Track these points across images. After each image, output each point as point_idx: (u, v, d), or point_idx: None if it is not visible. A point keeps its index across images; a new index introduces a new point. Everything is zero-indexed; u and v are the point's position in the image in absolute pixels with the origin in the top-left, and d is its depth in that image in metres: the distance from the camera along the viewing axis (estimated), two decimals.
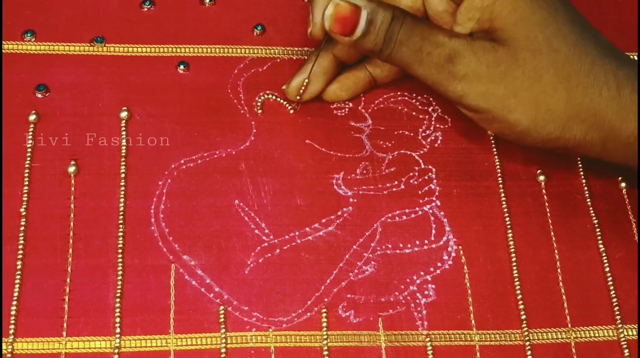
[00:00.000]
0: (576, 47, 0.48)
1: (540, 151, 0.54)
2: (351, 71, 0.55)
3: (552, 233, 0.52)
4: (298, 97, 0.54)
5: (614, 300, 0.51)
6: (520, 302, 0.50)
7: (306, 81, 0.53)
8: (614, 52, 0.49)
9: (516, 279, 0.51)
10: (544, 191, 0.54)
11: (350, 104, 0.55)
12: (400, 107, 0.56)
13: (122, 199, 0.50)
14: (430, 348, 0.48)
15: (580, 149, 0.50)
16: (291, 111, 0.54)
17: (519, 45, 0.48)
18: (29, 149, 0.51)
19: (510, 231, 0.52)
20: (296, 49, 0.57)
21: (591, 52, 0.48)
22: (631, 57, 0.59)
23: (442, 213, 0.52)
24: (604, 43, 0.49)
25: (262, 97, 0.54)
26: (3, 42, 0.54)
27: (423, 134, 0.55)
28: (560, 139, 0.49)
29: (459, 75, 0.48)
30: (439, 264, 0.51)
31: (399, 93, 0.56)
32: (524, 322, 0.50)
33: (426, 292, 0.50)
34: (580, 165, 0.55)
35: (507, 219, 0.52)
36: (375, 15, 0.49)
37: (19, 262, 0.47)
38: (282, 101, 0.54)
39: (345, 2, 0.49)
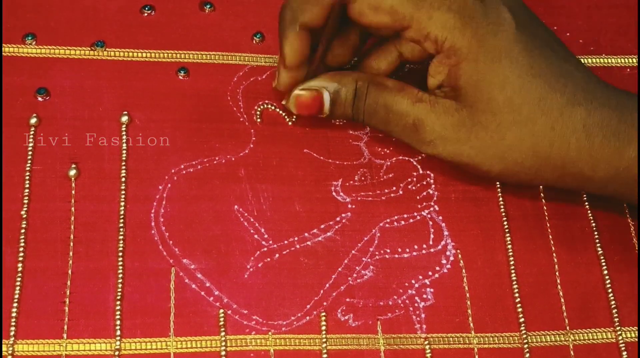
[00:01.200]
0: (540, 102, 0.48)
1: None
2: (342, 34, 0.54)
3: (550, 237, 0.53)
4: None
5: (612, 302, 0.51)
6: (518, 305, 0.50)
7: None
8: (589, 94, 0.49)
9: (514, 282, 0.51)
10: (542, 194, 0.54)
11: None
12: None
13: (122, 203, 0.50)
14: (429, 351, 0.48)
15: (559, 186, 0.51)
16: (289, 123, 0.55)
17: (480, 107, 0.49)
18: (30, 152, 0.51)
19: (508, 235, 0.52)
20: None
21: (557, 104, 0.48)
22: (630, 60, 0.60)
23: (440, 217, 0.53)
24: (579, 84, 0.49)
25: (261, 107, 0.55)
26: (4, 45, 0.54)
27: None
28: (534, 182, 0.51)
29: (427, 141, 0.50)
30: (438, 268, 0.51)
31: None
32: (523, 324, 0.50)
33: (425, 296, 0.50)
34: None
35: (506, 223, 0.53)
36: (337, 96, 0.51)
37: (20, 264, 0.47)
38: (280, 111, 0.55)
39: (306, 88, 0.51)
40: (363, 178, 0.53)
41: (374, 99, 0.51)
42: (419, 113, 0.50)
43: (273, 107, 0.55)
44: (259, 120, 0.54)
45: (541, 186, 0.54)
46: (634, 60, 0.60)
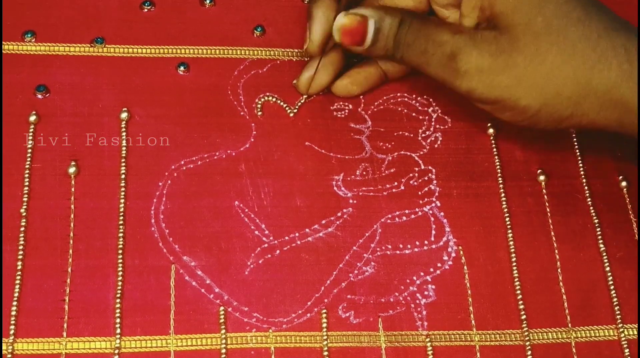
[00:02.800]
0: (579, 24, 0.47)
1: (540, 150, 0.54)
2: (362, 66, 0.55)
3: (552, 233, 0.52)
4: (308, 91, 0.54)
5: (615, 299, 0.51)
6: (520, 302, 0.50)
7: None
8: (623, 26, 0.48)
9: (516, 279, 0.51)
10: (544, 190, 0.54)
11: (350, 106, 0.55)
12: (400, 109, 0.56)
13: (122, 200, 0.50)
14: (430, 348, 0.48)
15: (596, 127, 0.49)
16: (291, 114, 0.54)
17: (519, 30, 0.47)
18: (29, 150, 0.51)
19: (510, 231, 0.52)
20: (296, 50, 0.57)
21: (596, 28, 0.47)
22: None
23: (442, 213, 0.52)
24: (612, 17, 0.48)
25: (262, 99, 0.54)
26: (3, 42, 0.54)
27: (423, 135, 0.55)
28: (573, 118, 0.48)
29: (462, 71, 0.48)
30: (439, 264, 0.51)
31: (398, 94, 0.56)
32: (524, 321, 0.50)
33: (426, 293, 0.50)
34: (580, 164, 0.55)
35: (507, 219, 0.52)
36: (382, 24, 0.49)
37: (20, 262, 0.48)
38: (282, 103, 0.54)
39: (352, 13, 0.50)
40: (365, 173, 0.53)
41: (417, 29, 0.49)
42: (457, 42, 0.48)
43: (274, 99, 0.54)
44: (260, 113, 0.54)
45: (543, 183, 0.54)
46: None
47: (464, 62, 0.48)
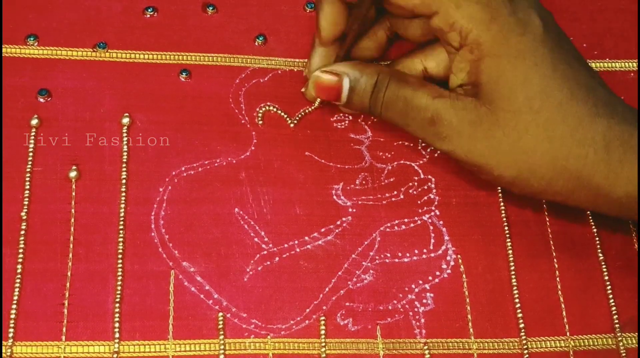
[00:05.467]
0: (560, 107, 0.47)
1: None
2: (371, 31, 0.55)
3: (551, 242, 0.53)
4: (317, 102, 0.55)
5: (613, 308, 0.51)
6: (518, 311, 0.50)
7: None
8: (610, 109, 0.48)
9: (515, 288, 0.51)
10: (543, 200, 0.54)
11: (350, 117, 0.55)
12: None
13: (122, 205, 0.50)
14: (428, 356, 0.48)
15: (570, 205, 0.50)
16: (291, 125, 0.54)
17: (499, 104, 0.48)
18: (31, 154, 0.51)
19: (509, 240, 0.52)
20: (297, 60, 0.57)
21: (578, 113, 0.47)
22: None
23: (441, 222, 0.52)
24: (601, 98, 0.48)
25: (263, 109, 0.55)
26: (6, 46, 0.54)
27: (423, 144, 0.55)
28: (546, 194, 0.49)
29: (442, 135, 0.49)
30: (438, 273, 0.51)
31: None
32: (523, 330, 0.50)
33: (425, 301, 0.50)
34: None
35: (506, 228, 0.53)
36: (356, 84, 0.51)
37: (19, 266, 0.47)
38: (282, 113, 0.55)
39: (327, 71, 0.51)
40: (364, 182, 0.53)
41: (394, 91, 0.50)
42: (438, 107, 0.49)
43: (275, 109, 0.55)
44: (260, 122, 0.54)
45: None
46: (634, 66, 0.60)
47: (446, 128, 0.49)
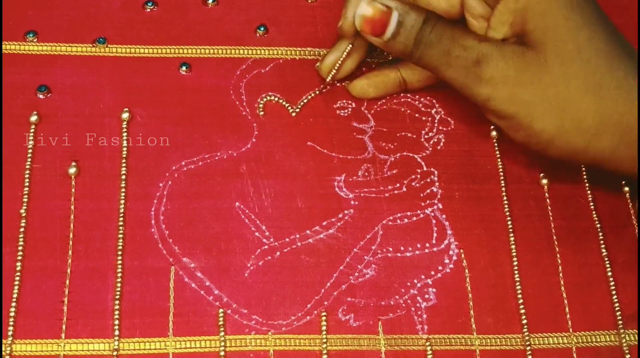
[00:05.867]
0: (607, 58, 0.47)
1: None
2: (382, 70, 0.55)
3: (554, 237, 0.52)
4: (330, 77, 0.54)
5: (616, 304, 0.50)
6: (521, 306, 0.50)
7: (340, 60, 0.53)
8: None
9: (517, 283, 0.50)
10: (546, 194, 0.53)
11: (354, 104, 0.55)
12: (403, 109, 0.55)
13: (122, 201, 0.50)
14: (430, 352, 0.48)
15: (610, 165, 0.48)
16: (293, 114, 0.54)
17: (549, 50, 0.47)
18: (30, 150, 0.51)
19: (512, 234, 0.52)
20: (299, 49, 0.56)
21: (623, 66, 0.47)
22: None
23: (443, 216, 0.52)
24: (635, 58, 0.48)
25: (264, 99, 0.54)
26: (5, 42, 0.54)
27: (426, 136, 0.54)
28: (587, 151, 0.48)
29: (486, 78, 0.48)
30: (440, 268, 0.50)
31: (402, 94, 0.56)
32: (525, 326, 0.49)
33: (427, 296, 0.50)
34: (583, 169, 0.54)
35: (509, 222, 0.52)
36: (405, 17, 0.49)
37: (19, 263, 0.47)
38: (284, 102, 0.54)
39: (377, 2, 0.49)
40: (367, 174, 0.53)
41: (441, 30, 0.48)
42: (484, 49, 0.48)
43: (276, 99, 0.54)
44: (261, 113, 0.54)
45: (545, 187, 0.53)
46: None
47: (489, 70, 0.47)
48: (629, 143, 0.47)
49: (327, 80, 0.54)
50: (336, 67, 0.54)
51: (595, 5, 0.48)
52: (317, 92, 0.55)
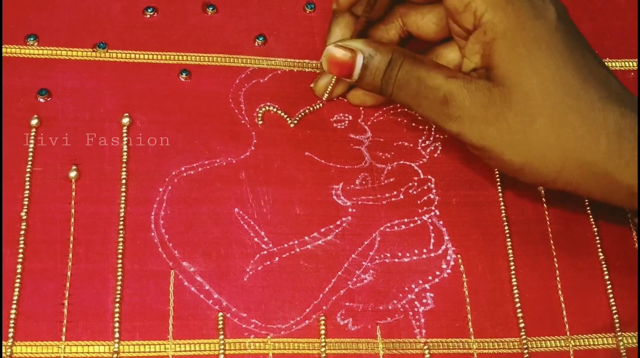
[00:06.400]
0: (573, 93, 0.47)
1: None
2: (382, 27, 0.55)
3: (551, 241, 0.53)
4: (325, 96, 0.55)
5: (614, 308, 0.51)
6: (519, 310, 0.50)
7: (333, 80, 0.54)
8: (621, 99, 0.47)
9: (515, 287, 0.51)
10: (543, 199, 0.54)
11: (350, 117, 0.55)
12: (400, 119, 0.56)
13: (122, 205, 0.50)
14: (428, 356, 0.48)
15: (581, 194, 0.49)
16: (291, 125, 0.54)
17: (513, 87, 0.47)
18: (31, 154, 0.51)
19: (509, 239, 0.52)
20: (297, 60, 0.57)
21: (591, 100, 0.47)
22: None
23: (441, 222, 0.52)
24: (612, 88, 0.48)
25: (263, 109, 0.55)
26: (6, 46, 0.54)
27: (422, 144, 0.55)
28: (557, 183, 0.48)
29: (454, 116, 0.48)
30: (438, 273, 0.51)
31: (398, 105, 0.56)
32: (523, 330, 0.50)
33: (425, 300, 0.50)
34: None
35: (507, 227, 0.53)
36: (370, 61, 0.50)
37: (19, 266, 0.47)
38: (282, 113, 0.55)
39: (341, 46, 0.50)
40: (364, 182, 0.53)
41: (408, 71, 0.49)
42: (451, 87, 0.48)
43: (275, 110, 0.55)
44: (260, 122, 0.54)
45: (543, 191, 0.54)
46: (634, 65, 0.60)
47: (457, 109, 0.48)
48: (598, 177, 0.47)
49: (323, 99, 0.55)
50: (329, 90, 0.55)
51: (568, 32, 0.48)
52: (315, 107, 0.55)
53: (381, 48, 0.50)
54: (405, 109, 0.56)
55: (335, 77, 0.54)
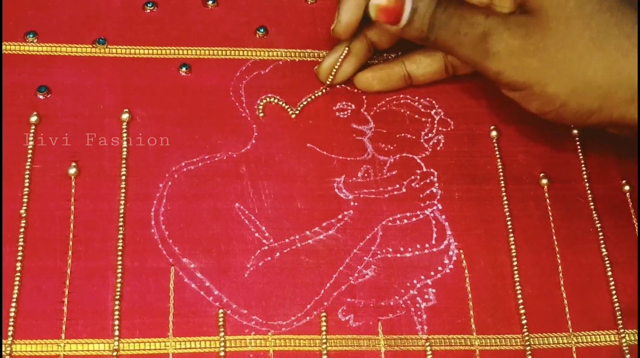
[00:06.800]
0: (612, 10, 0.46)
1: (543, 153, 0.54)
2: (388, 63, 0.55)
3: (554, 237, 0.52)
4: (329, 80, 0.54)
5: (616, 304, 0.50)
6: (521, 307, 0.50)
7: (338, 63, 0.54)
8: None
9: (517, 283, 0.50)
10: (546, 194, 0.53)
11: (353, 106, 0.55)
12: (402, 110, 0.55)
13: (122, 202, 0.50)
14: (430, 352, 0.48)
15: (626, 123, 0.47)
16: (293, 116, 0.54)
17: (550, 13, 0.47)
18: (30, 151, 0.51)
19: (512, 235, 0.52)
20: (298, 51, 0.56)
21: (630, 15, 0.46)
22: None
23: (443, 216, 0.52)
24: None
25: (264, 100, 0.54)
26: (5, 43, 0.54)
27: (425, 137, 0.54)
28: (602, 111, 0.47)
29: (493, 52, 0.48)
30: (440, 268, 0.50)
31: (401, 96, 0.56)
32: (525, 326, 0.49)
33: (426, 296, 0.50)
34: (583, 168, 0.54)
35: (509, 222, 0.52)
36: (419, 4, 0.49)
37: (19, 263, 0.48)
38: (283, 104, 0.54)
39: None
40: (366, 175, 0.53)
41: (452, 10, 0.49)
42: (490, 23, 0.48)
43: (276, 101, 0.54)
44: (261, 114, 0.54)
45: (545, 187, 0.53)
46: None
47: (495, 43, 0.48)
48: None
49: (327, 83, 0.54)
50: (334, 71, 0.54)
51: None
52: (317, 94, 0.55)
53: None
54: (408, 100, 0.56)
55: (342, 58, 0.53)
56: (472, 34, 0.48)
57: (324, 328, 0.48)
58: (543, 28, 0.47)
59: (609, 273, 0.51)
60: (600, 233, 0.52)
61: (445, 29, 0.49)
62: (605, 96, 0.46)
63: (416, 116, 0.55)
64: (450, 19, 0.49)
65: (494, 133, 0.55)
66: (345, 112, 0.55)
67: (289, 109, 0.54)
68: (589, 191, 0.53)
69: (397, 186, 0.53)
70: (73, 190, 0.50)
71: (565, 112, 0.48)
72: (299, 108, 0.54)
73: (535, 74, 0.47)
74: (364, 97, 0.55)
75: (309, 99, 0.55)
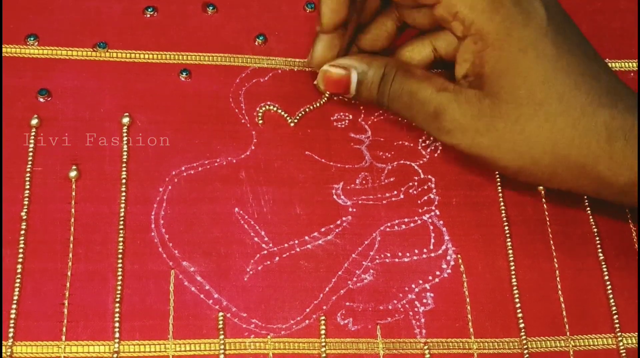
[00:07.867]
0: (562, 99, 0.47)
1: None
2: (380, 19, 0.55)
3: (551, 242, 0.52)
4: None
5: (614, 308, 0.51)
6: (519, 310, 0.50)
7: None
8: (613, 97, 0.48)
9: (515, 287, 0.51)
10: (543, 199, 0.54)
11: (350, 116, 0.55)
12: (400, 119, 0.56)
13: (122, 205, 0.50)
14: (428, 356, 0.48)
15: (576, 191, 0.50)
16: (291, 124, 0.54)
17: (502, 96, 0.48)
18: (31, 153, 0.50)
19: (509, 239, 0.52)
20: (297, 60, 0.57)
21: (580, 103, 0.47)
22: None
23: (441, 222, 0.52)
24: (605, 86, 0.48)
25: (263, 108, 0.55)
26: (6, 46, 0.54)
27: (423, 144, 0.55)
28: (551, 182, 0.49)
29: (446, 129, 0.49)
30: (438, 273, 0.51)
31: None
32: (523, 330, 0.50)
33: (425, 300, 0.50)
34: None
35: (507, 228, 0.53)
36: (364, 77, 0.52)
37: (19, 266, 0.47)
38: (282, 112, 0.55)
39: (335, 67, 0.52)
40: (364, 182, 0.53)
41: (400, 85, 0.50)
42: (441, 101, 0.49)
43: (275, 109, 0.55)
44: (260, 122, 0.54)
45: (543, 191, 0.54)
46: (634, 66, 0.60)
47: (448, 122, 0.49)
48: (589, 177, 0.48)
49: (305, 108, 0.55)
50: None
51: (559, 32, 0.48)
52: (316, 105, 0.55)
53: (374, 62, 0.52)
54: None
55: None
56: (424, 111, 0.50)
57: (323, 332, 0.48)
58: (494, 109, 0.48)
59: (606, 278, 0.51)
60: (597, 238, 0.53)
61: (397, 103, 0.51)
62: (552, 173, 0.49)
63: (413, 124, 0.55)
64: (401, 94, 0.51)
65: None
66: (343, 122, 0.55)
67: (287, 118, 0.55)
68: (585, 197, 0.54)
69: (395, 192, 0.53)
70: (73, 193, 0.50)
71: (518, 178, 0.50)
72: (297, 117, 0.55)
73: (487, 150, 0.49)
74: (361, 107, 0.56)
75: (307, 109, 0.55)
